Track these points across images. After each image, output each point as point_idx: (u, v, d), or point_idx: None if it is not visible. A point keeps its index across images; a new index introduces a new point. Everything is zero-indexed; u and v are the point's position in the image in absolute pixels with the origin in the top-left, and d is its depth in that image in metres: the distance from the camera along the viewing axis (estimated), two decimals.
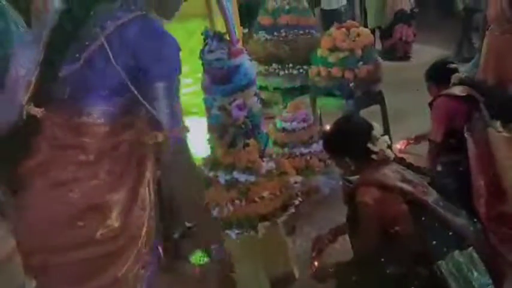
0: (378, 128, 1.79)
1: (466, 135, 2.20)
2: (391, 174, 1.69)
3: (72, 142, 1.36)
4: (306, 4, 3.81)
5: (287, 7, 3.64)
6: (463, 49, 5.77)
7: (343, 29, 3.35)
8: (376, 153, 1.72)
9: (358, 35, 3.32)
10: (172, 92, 1.48)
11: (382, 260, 1.60)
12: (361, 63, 3.27)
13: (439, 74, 2.52)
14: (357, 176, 1.79)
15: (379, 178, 1.66)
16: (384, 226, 1.61)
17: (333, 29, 3.40)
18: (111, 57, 1.32)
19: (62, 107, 1.36)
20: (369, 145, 1.72)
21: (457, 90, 2.36)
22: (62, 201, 1.33)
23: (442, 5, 7.50)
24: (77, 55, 1.34)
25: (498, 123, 2.12)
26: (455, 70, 2.48)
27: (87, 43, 1.35)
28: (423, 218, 1.63)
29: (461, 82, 2.41)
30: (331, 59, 3.29)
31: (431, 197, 1.68)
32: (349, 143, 1.77)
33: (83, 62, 1.34)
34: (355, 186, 1.71)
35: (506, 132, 2.09)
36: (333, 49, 3.30)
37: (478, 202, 2.13)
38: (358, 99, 3.31)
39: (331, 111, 3.47)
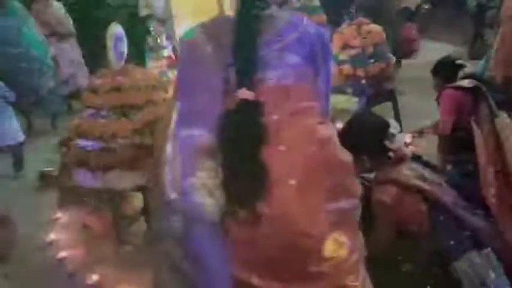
0: (395, 126, 1.77)
1: (473, 126, 2.16)
2: (409, 172, 1.67)
3: None
4: (317, 1, 3.79)
5: (298, 4, 3.63)
6: (475, 46, 5.71)
7: (354, 26, 3.33)
8: (393, 150, 1.70)
9: (369, 32, 3.30)
10: None
11: (398, 258, 1.58)
12: (372, 60, 3.25)
13: (446, 70, 2.54)
14: (373, 174, 1.77)
15: (397, 177, 1.64)
16: (400, 225, 1.59)
17: (344, 26, 3.38)
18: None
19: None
20: (386, 142, 1.70)
21: (464, 83, 2.35)
22: None
23: (455, 2, 7.43)
24: None
25: (505, 114, 2.09)
26: (462, 66, 2.50)
27: None
28: (441, 218, 1.60)
29: (467, 77, 2.41)
30: (342, 56, 3.28)
31: (450, 196, 1.65)
32: (365, 140, 1.73)
33: None
34: (371, 184, 1.69)
35: None
36: (344, 47, 3.29)
37: (488, 194, 2.07)
38: (369, 97, 3.29)
39: (342, 109, 3.45)
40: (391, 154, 1.70)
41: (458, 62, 2.53)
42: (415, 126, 3.60)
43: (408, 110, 3.78)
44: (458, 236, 1.58)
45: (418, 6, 6.40)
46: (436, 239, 1.59)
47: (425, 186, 1.63)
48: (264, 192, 1.19)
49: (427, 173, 1.72)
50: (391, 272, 1.59)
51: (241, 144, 1.23)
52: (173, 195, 1.29)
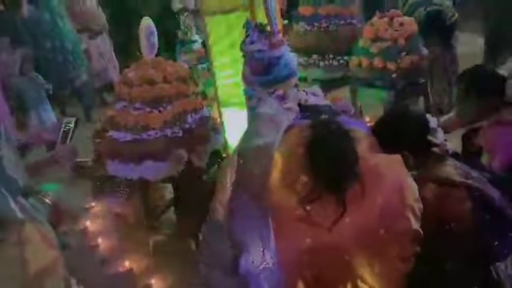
0: (433, 120, 1.69)
1: None
2: (452, 169, 1.58)
3: None
4: None
5: None
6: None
7: (386, 18, 3.27)
8: (437, 145, 1.61)
9: (402, 24, 3.24)
10: None
11: (440, 256, 1.51)
12: (404, 53, 3.18)
13: (488, 85, 2.01)
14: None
15: (440, 173, 1.55)
16: (442, 223, 1.51)
17: (375, 19, 3.33)
18: None
19: None
20: (430, 137, 1.61)
21: None
22: None
23: None
24: None
25: None
26: (503, 78, 2.02)
27: None
28: (486, 217, 1.51)
29: None
30: (373, 49, 3.23)
31: (496, 195, 1.56)
32: (409, 135, 1.60)
33: None
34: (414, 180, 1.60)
35: None
36: (375, 39, 3.23)
37: None
38: (400, 90, 3.23)
39: (371, 103, 3.41)
40: (436, 149, 1.60)
41: (501, 72, 2.03)
42: None
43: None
44: (503, 236, 1.51)
45: None
46: (479, 239, 1.50)
47: (471, 182, 1.53)
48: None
49: (472, 170, 1.62)
50: (434, 269, 1.54)
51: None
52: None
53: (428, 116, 1.70)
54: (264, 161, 1.36)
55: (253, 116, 1.58)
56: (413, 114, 1.74)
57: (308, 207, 1.29)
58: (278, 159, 1.34)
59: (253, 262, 1.32)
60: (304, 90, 1.90)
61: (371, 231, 1.29)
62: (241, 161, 1.43)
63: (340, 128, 1.43)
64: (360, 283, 1.29)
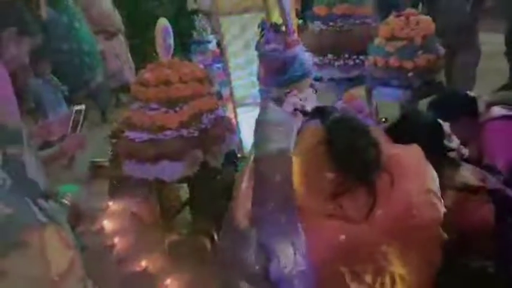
0: (445, 124, 1.66)
1: None
2: (470, 174, 1.55)
3: None
4: None
5: None
6: None
7: (402, 17, 3.24)
8: (454, 150, 1.58)
9: (418, 23, 3.21)
10: None
11: (462, 259, 1.49)
12: (420, 52, 3.15)
13: (471, 105, 2.09)
14: None
15: (458, 179, 1.53)
16: (463, 228, 1.48)
17: (391, 18, 3.30)
18: None
19: None
20: (446, 142, 1.59)
21: (505, 111, 1.98)
22: None
23: None
24: None
25: None
26: (474, 98, 2.13)
27: None
28: (509, 219, 1.49)
29: (491, 104, 2.06)
30: (389, 48, 3.20)
31: None
32: (424, 140, 1.55)
33: None
34: None
35: None
36: (391, 38, 3.21)
37: None
38: (416, 89, 3.20)
39: (387, 102, 3.38)
40: (452, 154, 1.58)
41: (470, 94, 2.15)
42: None
43: None
44: None
45: None
46: (503, 241, 1.48)
47: (490, 185, 1.51)
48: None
49: (487, 174, 1.59)
50: (455, 272, 1.51)
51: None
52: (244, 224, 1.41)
53: (440, 121, 1.67)
54: (283, 166, 1.37)
55: (260, 123, 1.59)
56: (428, 119, 1.71)
57: (340, 202, 1.29)
58: (297, 162, 1.34)
59: (285, 267, 1.33)
60: (295, 95, 1.89)
61: (403, 220, 1.29)
62: (259, 170, 1.44)
63: (359, 121, 1.46)
64: (396, 276, 1.29)
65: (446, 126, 1.64)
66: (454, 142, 1.59)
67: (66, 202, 1.52)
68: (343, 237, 1.29)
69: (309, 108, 1.67)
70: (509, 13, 4.33)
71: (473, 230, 1.48)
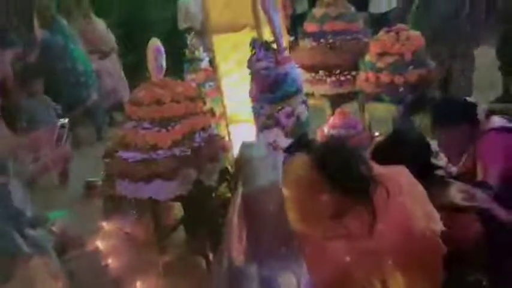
0: (434, 143, 1.66)
1: None
2: (457, 193, 1.55)
3: None
4: (353, 9, 3.77)
5: (334, 14, 3.61)
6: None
7: (392, 33, 3.28)
8: (441, 168, 1.59)
9: (408, 38, 3.25)
10: None
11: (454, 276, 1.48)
12: (411, 67, 3.18)
13: (471, 112, 2.02)
14: None
15: (446, 199, 1.53)
16: (453, 246, 1.48)
17: (381, 33, 3.34)
18: None
19: None
20: (433, 160, 1.60)
21: (502, 122, 1.95)
22: None
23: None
24: None
25: None
26: (475, 105, 2.07)
27: None
28: (498, 237, 1.50)
29: (491, 112, 2.05)
30: (380, 63, 3.23)
31: (503, 213, 1.54)
32: (411, 159, 1.56)
33: None
34: None
35: None
36: (382, 53, 3.24)
37: None
38: (408, 104, 3.22)
39: (380, 117, 3.40)
40: (439, 172, 1.59)
41: (471, 101, 2.11)
42: None
43: None
44: None
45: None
46: (492, 258, 1.49)
47: (478, 204, 1.51)
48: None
49: (474, 190, 1.59)
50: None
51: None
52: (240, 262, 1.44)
53: (428, 139, 1.67)
54: (275, 198, 1.39)
55: (245, 161, 1.60)
56: (415, 137, 1.71)
57: (343, 223, 1.29)
58: (288, 191, 1.34)
59: None
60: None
61: (403, 232, 1.29)
62: (251, 206, 1.46)
63: (345, 143, 1.50)
64: None
65: (434, 144, 1.64)
66: (442, 160, 1.59)
67: (54, 230, 1.51)
68: (348, 258, 1.29)
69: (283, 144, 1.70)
70: (501, 26, 4.40)
71: (460, 248, 1.48)
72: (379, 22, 5.27)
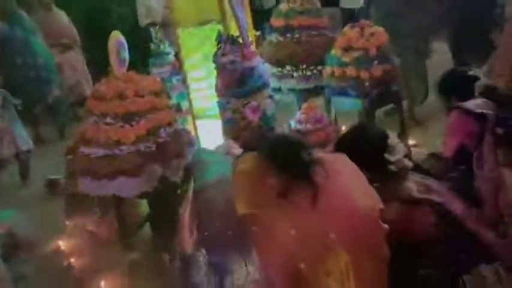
0: (393, 137, 1.70)
1: (475, 170, 1.90)
2: (412, 185, 1.60)
3: None
4: (319, 5, 3.79)
5: (300, 9, 3.62)
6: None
7: (357, 28, 3.32)
8: (393, 163, 1.62)
9: (372, 34, 3.29)
10: None
11: (410, 266, 1.52)
12: (376, 62, 3.23)
13: (462, 85, 2.14)
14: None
15: (401, 192, 1.57)
16: (407, 238, 1.51)
17: (346, 28, 3.37)
18: None
19: None
20: (386, 155, 1.63)
21: (473, 104, 2.04)
22: None
23: None
24: None
25: None
26: (476, 78, 2.15)
27: None
28: (451, 230, 1.54)
29: (484, 91, 2.09)
30: (346, 58, 3.26)
31: (460, 207, 1.58)
32: (364, 153, 1.63)
33: None
34: None
35: None
36: (347, 48, 3.27)
37: None
38: (373, 99, 3.27)
39: (346, 111, 3.44)
40: (392, 167, 1.62)
41: (471, 73, 2.17)
42: (422, 131, 3.60)
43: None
44: (468, 249, 1.53)
45: None
46: (445, 252, 1.52)
47: (433, 198, 1.56)
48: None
49: (431, 182, 1.64)
50: (400, 281, 1.53)
51: None
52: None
53: (389, 133, 1.71)
54: (224, 189, 1.54)
55: (196, 160, 1.94)
56: (370, 133, 1.77)
57: (289, 198, 1.43)
58: (238, 181, 1.48)
59: (237, 280, 1.39)
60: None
61: (343, 209, 1.40)
62: (201, 199, 1.64)
63: (288, 135, 1.81)
64: (348, 265, 1.36)
65: (392, 138, 1.67)
66: (397, 155, 1.63)
67: (1, 231, 1.46)
68: (293, 232, 1.37)
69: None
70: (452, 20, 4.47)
71: (416, 240, 1.52)
72: (351, 17, 5.33)
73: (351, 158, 1.59)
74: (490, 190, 1.74)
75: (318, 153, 1.55)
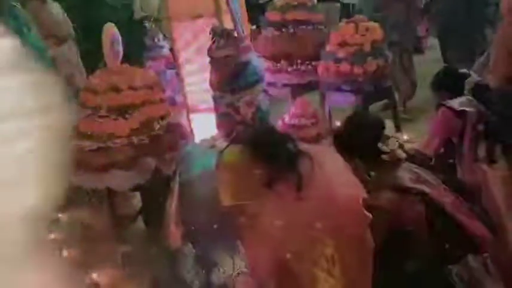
0: (389, 127, 1.73)
1: (457, 167, 2.03)
2: (404, 174, 1.62)
3: None
4: (315, 0, 3.79)
5: (295, 3, 3.62)
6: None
7: (352, 24, 3.32)
8: (386, 153, 1.65)
9: (367, 29, 3.30)
10: None
11: (397, 257, 1.54)
12: (370, 58, 3.24)
13: (453, 82, 2.26)
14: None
15: (393, 181, 1.59)
16: (397, 226, 1.54)
17: (341, 24, 3.38)
18: None
19: None
20: (379, 145, 1.65)
21: (456, 102, 2.14)
22: None
23: None
24: None
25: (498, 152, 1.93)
26: (467, 75, 2.27)
27: None
28: (439, 221, 1.55)
29: (473, 89, 2.20)
30: (340, 54, 3.27)
31: (449, 199, 1.60)
32: (358, 142, 1.67)
33: None
34: (367, 189, 1.65)
35: (505, 169, 1.91)
36: (342, 44, 3.28)
37: None
38: (367, 94, 3.28)
39: (340, 106, 3.45)
40: (385, 157, 1.64)
41: (462, 71, 2.28)
42: (415, 125, 3.62)
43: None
44: (456, 239, 1.54)
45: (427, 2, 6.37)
46: (433, 242, 1.54)
47: (423, 188, 1.57)
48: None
49: (423, 173, 1.66)
50: (389, 270, 1.56)
51: None
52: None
53: (386, 123, 1.74)
54: (208, 182, 1.51)
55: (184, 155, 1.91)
56: (364, 122, 1.79)
57: (274, 188, 1.43)
58: (223, 173, 1.47)
59: (224, 273, 1.37)
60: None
61: (328, 198, 1.41)
62: (186, 192, 1.64)
63: (274, 128, 1.79)
64: (333, 255, 1.37)
65: (388, 129, 1.70)
66: (391, 145, 1.65)
67: None
68: (279, 222, 1.37)
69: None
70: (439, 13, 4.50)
71: (406, 229, 1.54)
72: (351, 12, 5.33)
73: (346, 148, 1.63)
74: (473, 185, 1.81)
75: (304, 145, 1.56)
